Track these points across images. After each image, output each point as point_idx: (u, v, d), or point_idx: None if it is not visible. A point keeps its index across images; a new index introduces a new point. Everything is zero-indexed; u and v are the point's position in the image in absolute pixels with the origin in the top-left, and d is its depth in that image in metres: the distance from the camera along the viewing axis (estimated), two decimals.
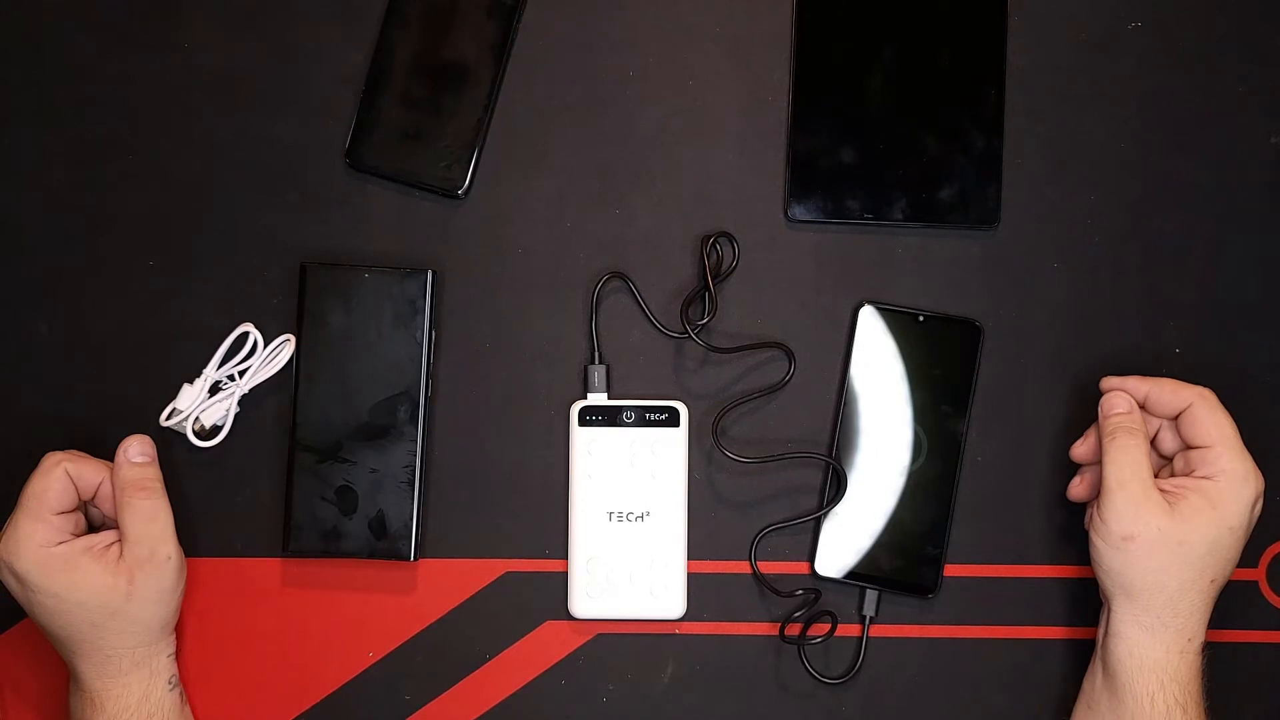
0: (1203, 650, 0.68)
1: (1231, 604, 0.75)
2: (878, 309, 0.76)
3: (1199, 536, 0.66)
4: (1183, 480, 0.69)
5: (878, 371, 0.75)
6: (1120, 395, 0.71)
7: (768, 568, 0.76)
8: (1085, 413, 0.73)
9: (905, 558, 0.75)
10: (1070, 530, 0.76)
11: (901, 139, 0.76)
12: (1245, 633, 0.76)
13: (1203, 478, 0.68)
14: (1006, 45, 0.77)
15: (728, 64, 0.78)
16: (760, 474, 0.76)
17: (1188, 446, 0.70)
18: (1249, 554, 0.76)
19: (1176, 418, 0.71)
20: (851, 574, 0.75)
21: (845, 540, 0.75)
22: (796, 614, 0.74)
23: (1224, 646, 0.75)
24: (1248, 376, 0.77)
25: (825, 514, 0.75)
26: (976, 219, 0.77)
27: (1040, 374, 0.77)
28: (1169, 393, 0.70)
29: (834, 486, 0.75)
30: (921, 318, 0.76)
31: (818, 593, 0.74)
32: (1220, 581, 0.68)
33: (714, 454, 0.76)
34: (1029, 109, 0.77)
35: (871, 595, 0.74)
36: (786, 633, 0.74)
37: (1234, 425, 0.69)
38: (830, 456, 0.75)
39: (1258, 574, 0.76)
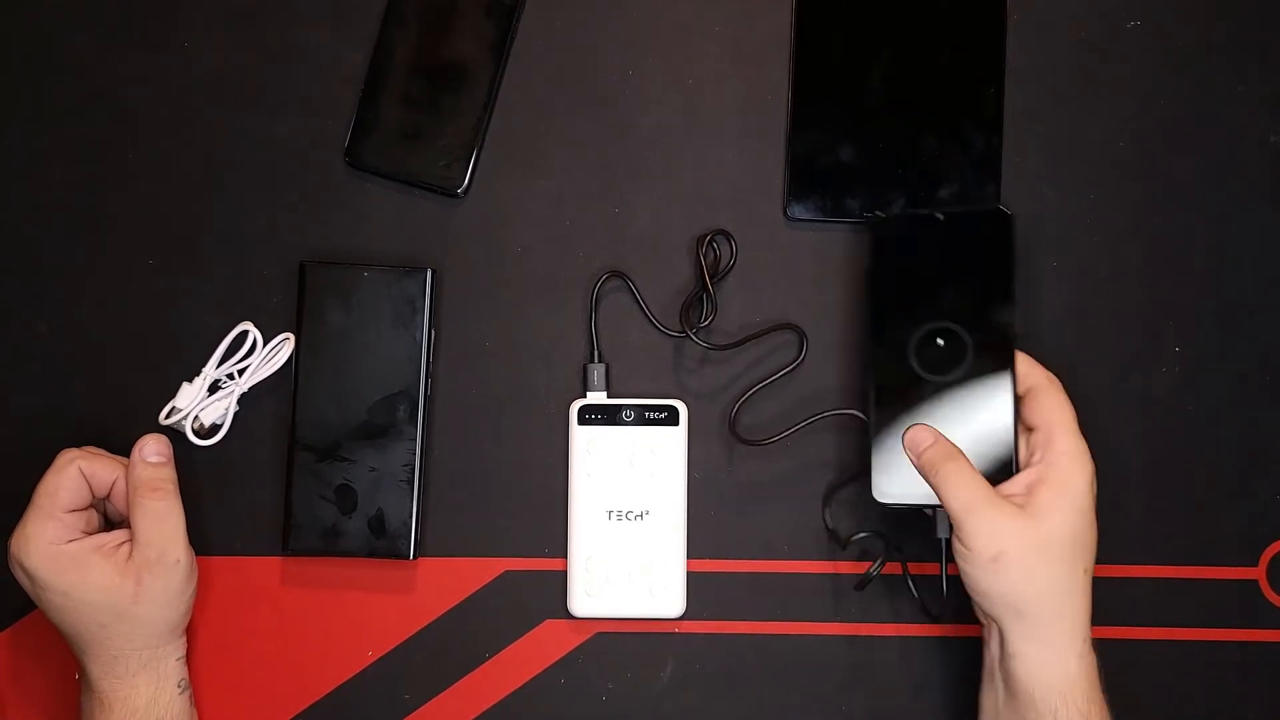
0: (1094, 646, 0.66)
1: (1231, 603, 0.76)
2: (892, 218, 0.73)
3: (1060, 530, 0.65)
4: (1025, 478, 0.67)
5: (903, 281, 0.71)
6: (919, 429, 0.69)
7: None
8: (1085, 412, 0.73)
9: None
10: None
11: (901, 138, 0.76)
12: (1245, 632, 0.76)
13: (1042, 465, 0.66)
14: (1006, 44, 0.77)
15: (727, 63, 0.78)
16: (763, 471, 0.76)
17: (1029, 426, 0.68)
18: (1249, 553, 0.76)
19: (1027, 392, 0.69)
20: (910, 499, 0.70)
21: (903, 465, 0.70)
22: (865, 558, 0.73)
23: (1224, 646, 0.75)
24: (1248, 376, 0.77)
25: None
26: None
27: None
28: (1022, 365, 0.69)
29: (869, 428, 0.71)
30: (941, 215, 0.71)
31: (881, 533, 0.73)
32: (1090, 569, 0.66)
33: (715, 451, 0.76)
34: (1028, 108, 0.77)
35: (943, 515, 0.68)
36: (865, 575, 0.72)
37: (1073, 412, 0.67)
38: (858, 410, 0.72)
39: (1258, 573, 0.76)
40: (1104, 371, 0.76)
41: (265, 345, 0.75)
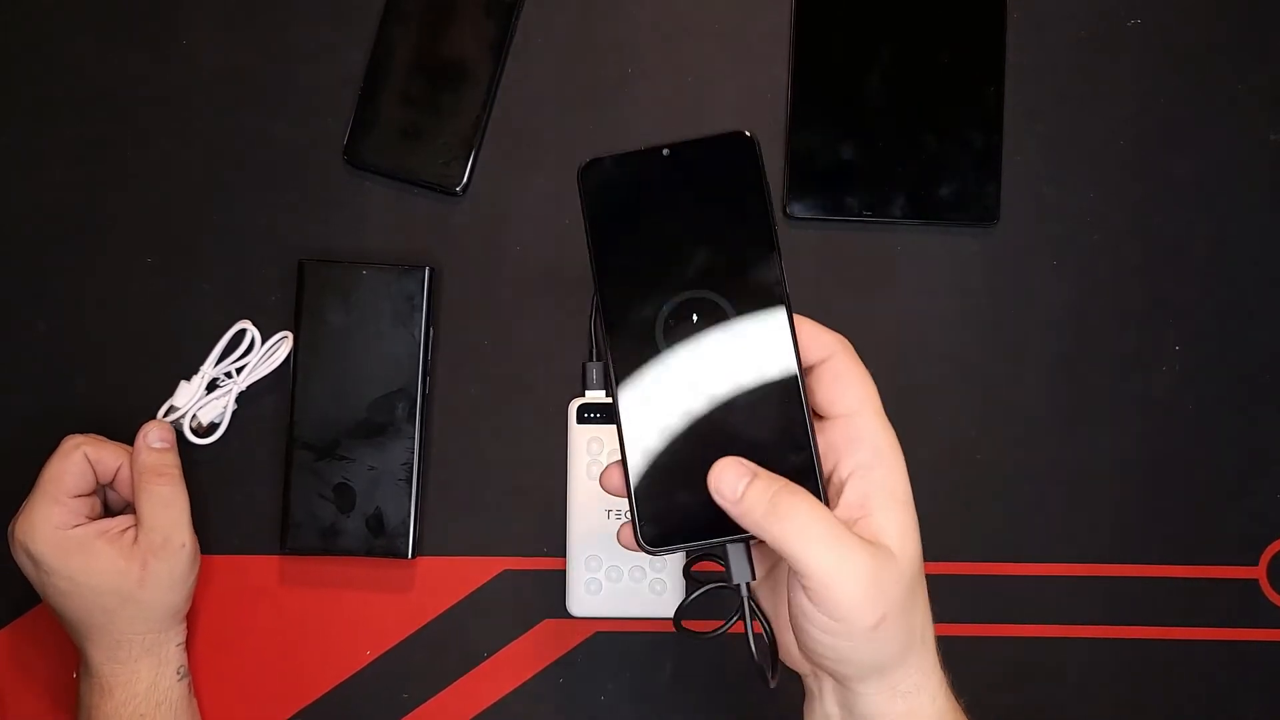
0: (943, 666, 0.53)
1: (1232, 603, 0.75)
2: (605, 159, 0.52)
3: (917, 557, 0.50)
4: (853, 494, 0.49)
5: (634, 243, 0.52)
6: (729, 465, 0.49)
7: None
8: (1086, 409, 0.73)
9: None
10: (1070, 529, 0.76)
11: (901, 136, 0.76)
12: (1245, 631, 0.76)
13: (864, 471, 0.49)
14: (1006, 43, 0.77)
15: (727, 61, 0.78)
16: None
17: (820, 415, 0.51)
18: (1250, 553, 0.76)
19: (812, 370, 0.51)
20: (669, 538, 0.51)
21: (673, 496, 0.51)
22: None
23: (1224, 646, 0.75)
24: (1248, 376, 0.77)
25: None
26: (976, 217, 0.76)
27: (1039, 372, 0.77)
28: (805, 332, 0.51)
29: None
30: (667, 149, 0.52)
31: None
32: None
33: None
34: (1028, 107, 0.77)
35: (738, 555, 0.51)
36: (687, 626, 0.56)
37: (873, 384, 0.51)
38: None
39: (1258, 572, 0.76)
40: (1104, 371, 0.76)
41: (264, 343, 0.75)
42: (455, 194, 0.77)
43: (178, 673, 0.71)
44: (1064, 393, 0.76)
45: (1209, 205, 0.78)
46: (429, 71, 0.77)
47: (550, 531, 0.76)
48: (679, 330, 0.51)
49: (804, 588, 0.48)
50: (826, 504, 0.49)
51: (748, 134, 0.52)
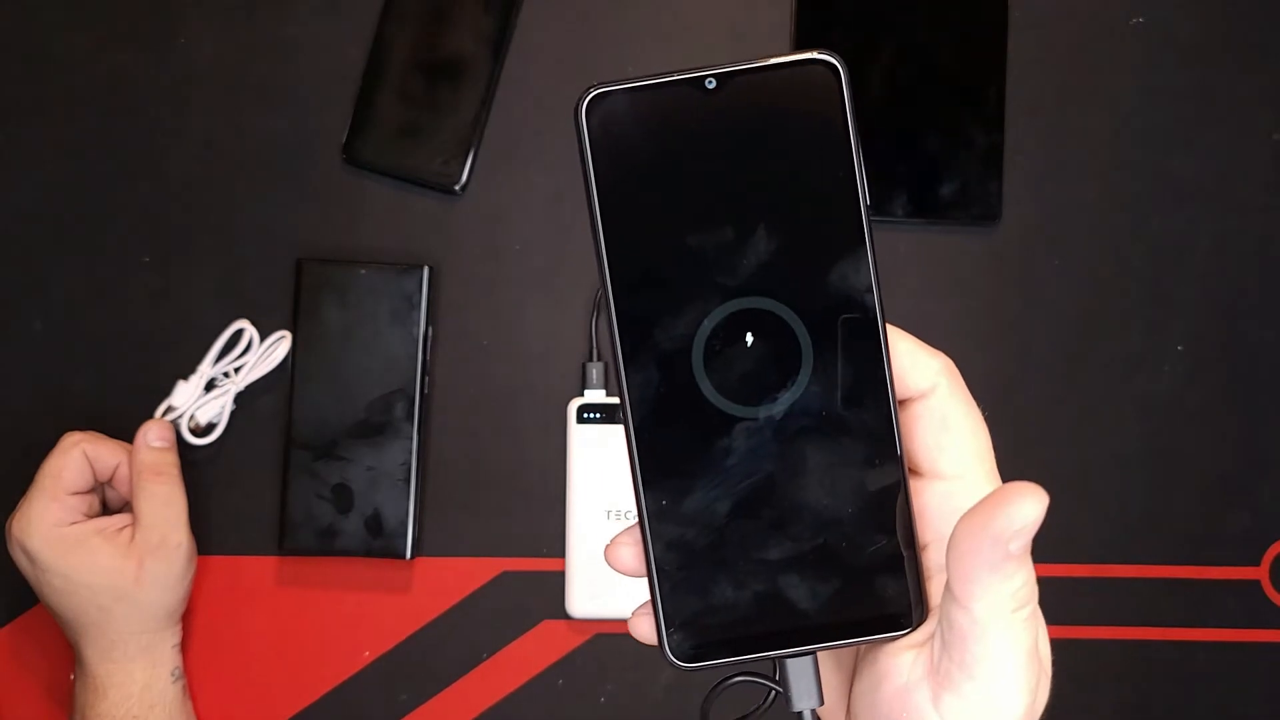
0: None
1: (1233, 603, 0.75)
2: (620, 92, 0.35)
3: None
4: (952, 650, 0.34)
5: (661, 227, 0.36)
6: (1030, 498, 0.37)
7: None
8: (1087, 409, 0.73)
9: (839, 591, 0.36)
10: (1071, 529, 0.75)
11: (902, 135, 0.76)
12: (1246, 631, 0.75)
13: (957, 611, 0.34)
14: (1008, 41, 0.77)
15: (726, 58, 0.78)
16: None
17: (913, 471, 0.36)
18: (1251, 553, 0.75)
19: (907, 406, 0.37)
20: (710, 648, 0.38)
21: (708, 594, 0.37)
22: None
23: (1224, 646, 0.75)
24: (1250, 376, 0.77)
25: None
26: (978, 215, 0.76)
27: (1040, 372, 0.77)
28: (906, 361, 0.37)
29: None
30: (713, 78, 0.36)
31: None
32: None
33: None
34: (1030, 105, 0.77)
35: (803, 673, 0.37)
36: None
37: (985, 430, 0.37)
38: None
39: (1260, 573, 0.76)
40: (1106, 371, 0.76)
41: (262, 343, 0.75)
42: (454, 193, 0.76)
43: (172, 674, 0.71)
44: (1065, 392, 0.76)
45: (1211, 203, 0.78)
46: (428, 69, 0.76)
47: (550, 532, 0.75)
48: (727, 357, 0.35)
49: (959, 697, 0.35)
50: (924, 610, 0.36)
51: (831, 60, 0.35)
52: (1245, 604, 0.75)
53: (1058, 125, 0.77)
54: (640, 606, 0.37)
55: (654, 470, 0.36)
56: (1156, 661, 0.75)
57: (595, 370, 0.75)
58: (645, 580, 0.36)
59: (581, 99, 0.35)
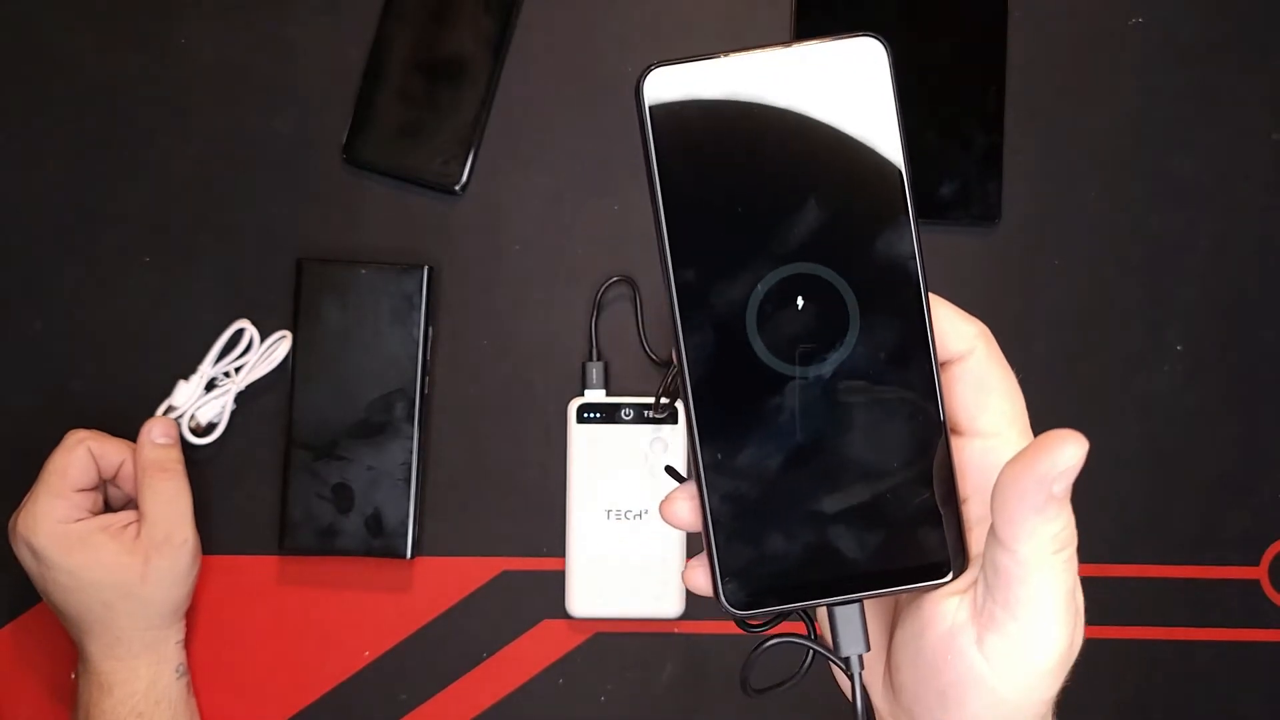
0: None
1: (1233, 603, 0.75)
2: (673, 70, 0.37)
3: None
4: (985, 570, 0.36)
5: (716, 193, 0.38)
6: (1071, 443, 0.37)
7: None
8: (1087, 409, 0.73)
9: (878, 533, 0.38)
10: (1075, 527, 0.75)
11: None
12: (1246, 631, 0.75)
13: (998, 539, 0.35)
14: (1007, 41, 0.77)
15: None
16: None
17: (952, 430, 0.38)
18: (1251, 553, 0.75)
19: (947, 368, 0.39)
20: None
21: (765, 545, 0.39)
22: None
23: (1224, 646, 0.75)
24: (1250, 376, 0.77)
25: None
26: (977, 216, 0.76)
27: (1041, 371, 0.77)
28: (945, 325, 0.39)
29: None
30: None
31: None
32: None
33: None
34: (1030, 105, 0.77)
35: (851, 620, 0.39)
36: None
37: (1019, 391, 0.39)
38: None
39: (1259, 572, 0.76)
40: (1105, 371, 0.76)
41: (262, 343, 0.75)
42: (454, 193, 0.76)
43: (176, 671, 0.71)
44: (1065, 392, 0.76)
45: (1211, 203, 0.78)
46: (428, 69, 0.76)
47: (550, 531, 0.75)
48: (779, 320, 0.38)
49: (1002, 637, 0.36)
50: (964, 560, 0.38)
51: (877, 40, 0.40)
52: (1245, 604, 0.75)
53: (1057, 125, 0.77)
54: (694, 559, 0.39)
55: (710, 427, 0.38)
56: (1156, 661, 0.75)
57: (595, 370, 0.75)
58: (701, 533, 0.39)
59: (643, 76, 0.37)
